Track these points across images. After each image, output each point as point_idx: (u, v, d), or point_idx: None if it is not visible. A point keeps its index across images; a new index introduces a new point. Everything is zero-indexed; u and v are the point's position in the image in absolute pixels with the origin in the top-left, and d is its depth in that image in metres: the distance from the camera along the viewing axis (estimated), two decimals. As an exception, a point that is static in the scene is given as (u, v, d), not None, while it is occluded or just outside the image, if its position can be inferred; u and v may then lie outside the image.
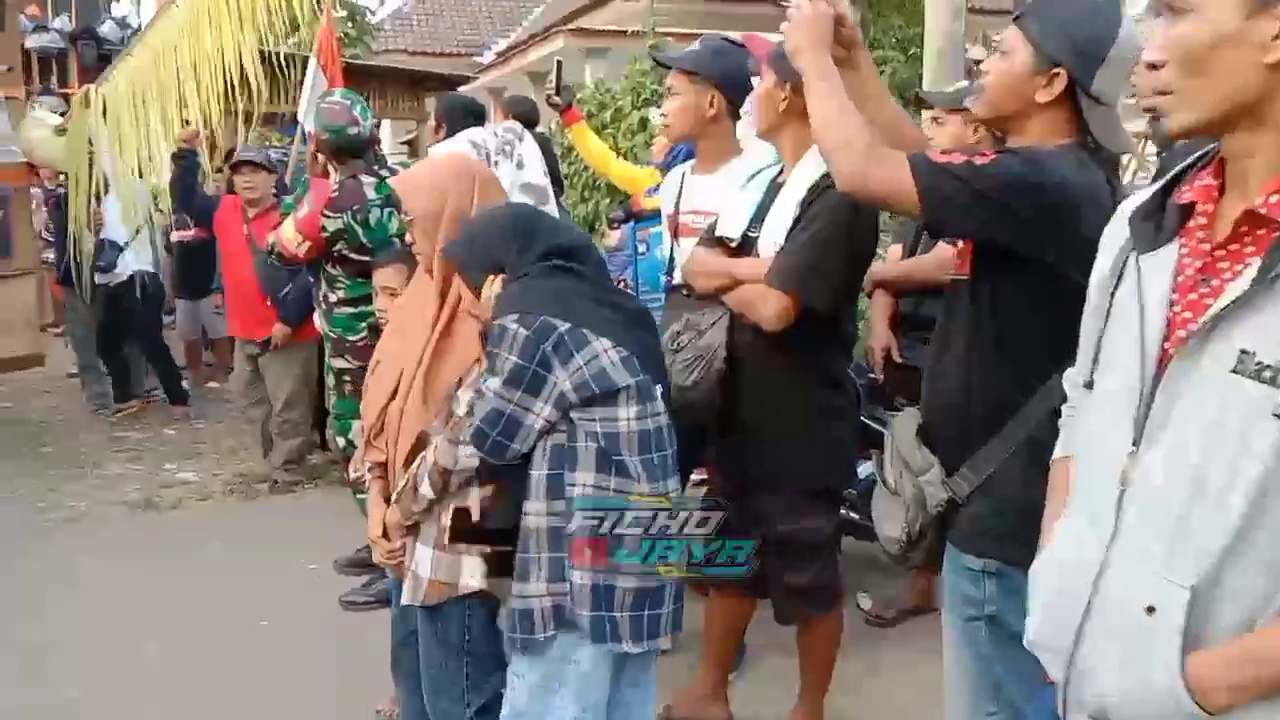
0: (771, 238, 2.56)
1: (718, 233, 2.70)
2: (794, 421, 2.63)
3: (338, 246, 4.02)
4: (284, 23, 6.83)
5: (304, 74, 6.10)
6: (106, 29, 12.53)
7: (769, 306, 2.50)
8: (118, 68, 6.40)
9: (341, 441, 4.22)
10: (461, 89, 11.66)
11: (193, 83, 6.00)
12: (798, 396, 2.63)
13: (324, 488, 5.59)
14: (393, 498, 2.36)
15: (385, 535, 2.43)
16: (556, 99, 4.39)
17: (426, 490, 2.24)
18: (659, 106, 3.68)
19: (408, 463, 2.31)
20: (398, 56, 17.78)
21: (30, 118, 6.59)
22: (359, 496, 3.59)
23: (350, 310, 4.08)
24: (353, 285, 4.04)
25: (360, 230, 3.98)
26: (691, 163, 3.13)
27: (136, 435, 6.92)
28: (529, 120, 4.67)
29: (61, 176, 6.73)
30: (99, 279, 6.70)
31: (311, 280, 4.34)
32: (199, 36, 6.18)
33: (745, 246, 2.63)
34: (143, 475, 5.98)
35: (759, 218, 2.61)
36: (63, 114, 6.60)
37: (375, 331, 3.27)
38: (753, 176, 2.72)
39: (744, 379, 2.62)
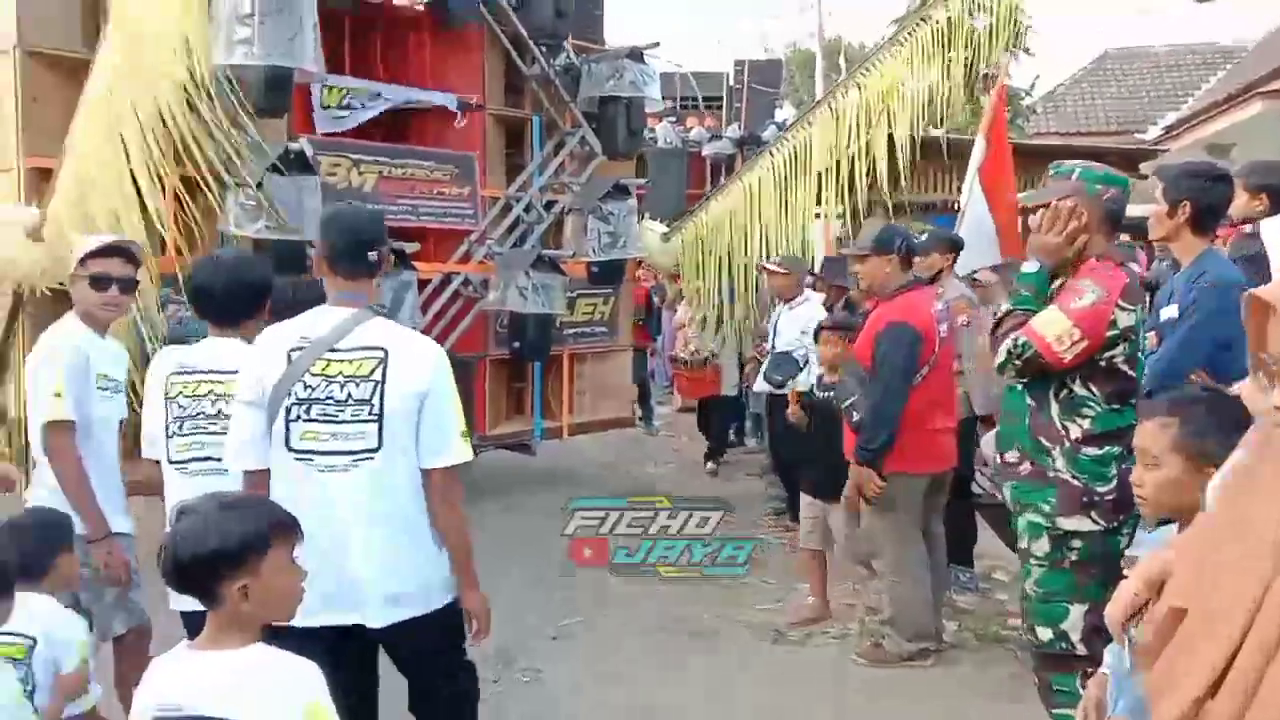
0: None
1: None
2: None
3: (1112, 353, 2.98)
4: (945, 105, 6.82)
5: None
6: (768, 134, 13.43)
7: None
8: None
9: (1046, 633, 3.07)
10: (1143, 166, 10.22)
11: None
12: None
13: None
14: None
15: None
16: None
17: None
18: None
19: None
20: (1049, 139, 16.62)
21: (644, 225, 7.65)
22: None
23: (1097, 451, 3.00)
24: (1107, 415, 3.01)
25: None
26: None
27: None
28: None
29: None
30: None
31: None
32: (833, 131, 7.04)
33: None
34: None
35: None
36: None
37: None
38: None
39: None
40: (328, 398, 2.53)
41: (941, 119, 8.08)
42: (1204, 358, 3.25)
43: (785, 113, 19.73)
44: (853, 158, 7.07)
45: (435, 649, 2.72)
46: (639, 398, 10.50)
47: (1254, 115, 12.94)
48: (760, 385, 6.47)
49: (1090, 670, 2.99)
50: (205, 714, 1.68)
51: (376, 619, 2.57)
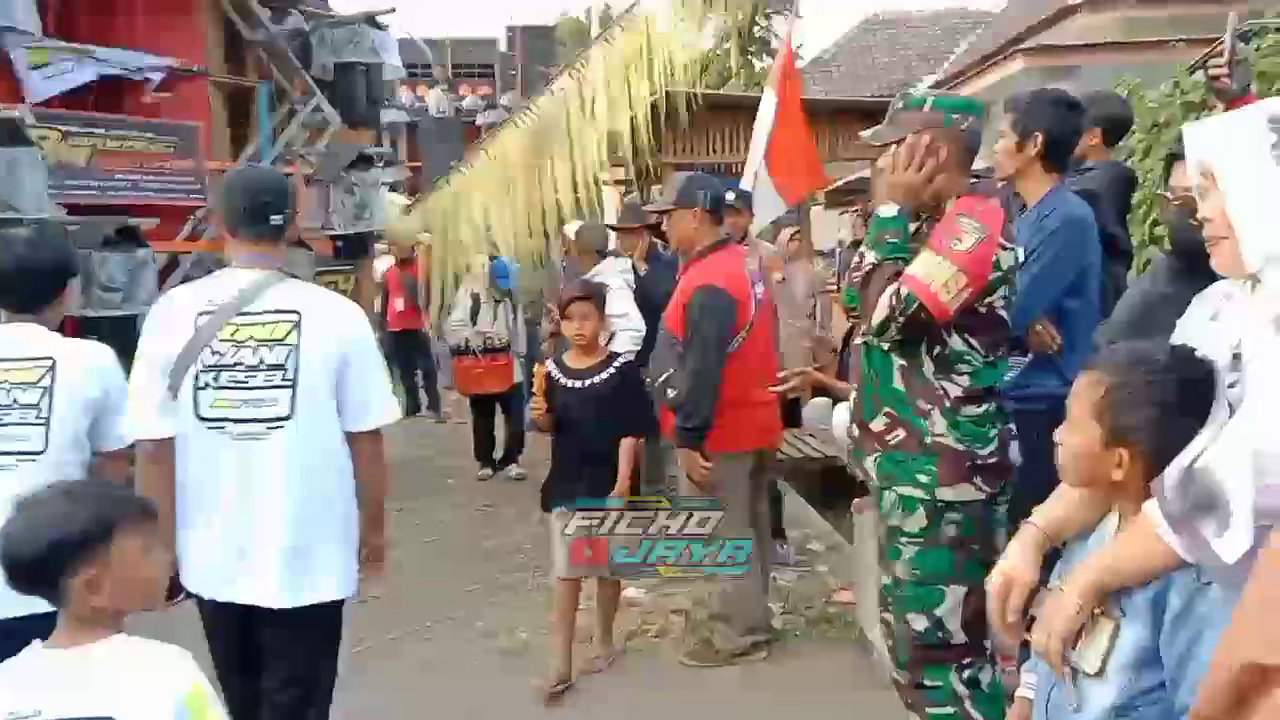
0: None
1: None
2: None
3: (992, 298, 2.57)
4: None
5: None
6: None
7: None
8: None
9: (921, 622, 2.66)
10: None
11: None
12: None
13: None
14: None
15: None
16: (1227, 82, 2.70)
17: None
18: None
19: None
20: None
21: (383, 197, 7.24)
22: None
23: (977, 410, 2.61)
24: (985, 370, 2.62)
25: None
26: None
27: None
28: None
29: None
30: None
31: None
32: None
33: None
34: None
35: None
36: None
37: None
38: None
39: None
40: (237, 364, 2.46)
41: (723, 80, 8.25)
42: (1052, 304, 2.94)
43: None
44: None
45: (322, 640, 2.64)
46: (424, 384, 9.87)
47: (1015, 73, 13.46)
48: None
49: (967, 662, 2.62)
50: (69, 716, 1.55)
51: (282, 598, 2.49)
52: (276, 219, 2.55)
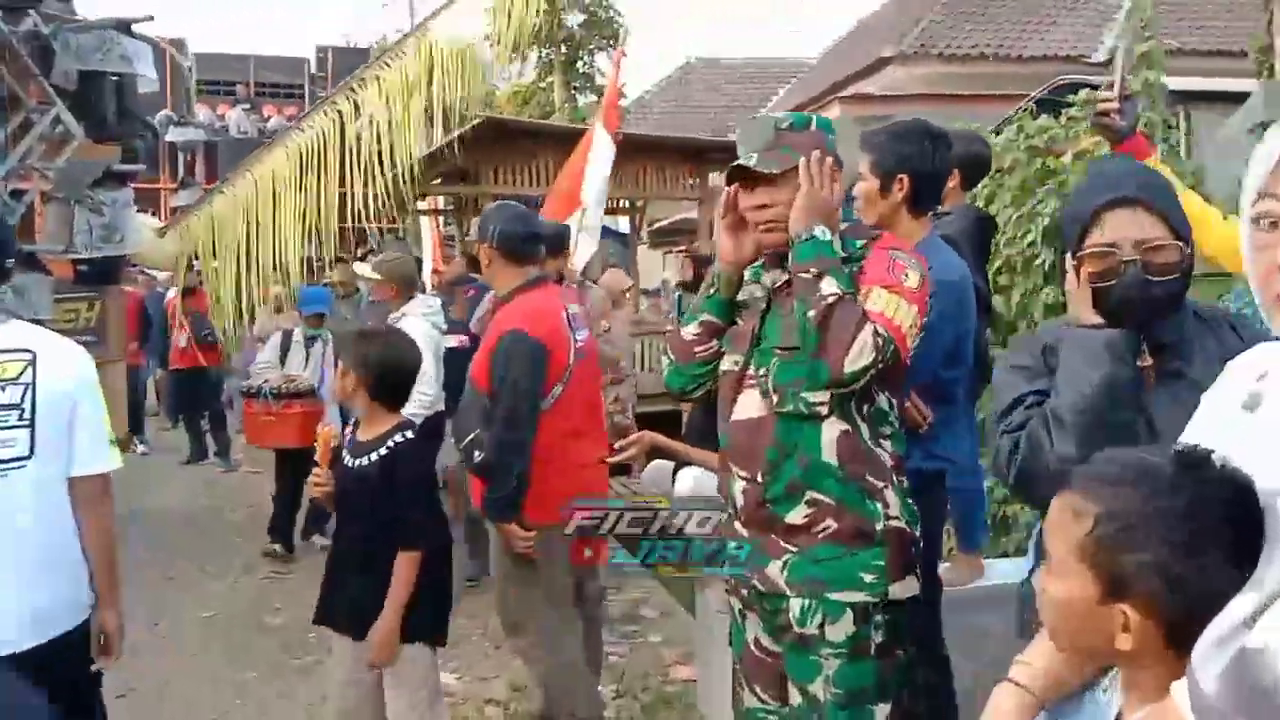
0: None
1: None
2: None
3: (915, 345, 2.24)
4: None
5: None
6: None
7: None
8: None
9: None
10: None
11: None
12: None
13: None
14: None
15: None
16: (1115, 118, 2.40)
17: None
18: None
19: None
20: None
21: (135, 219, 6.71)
22: None
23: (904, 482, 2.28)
24: (898, 433, 2.27)
25: None
26: None
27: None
28: None
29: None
30: None
31: None
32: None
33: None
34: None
35: None
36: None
37: None
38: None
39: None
40: None
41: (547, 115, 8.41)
42: (928, 375, 2.59)
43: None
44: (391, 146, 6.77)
45: (76, 674, 2.49)
46: (211, 429, 8.96)
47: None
48: None
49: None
50: None
51: (24, 639, 2.35)
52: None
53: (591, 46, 23.41)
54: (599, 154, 6.03)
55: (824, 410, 2.08)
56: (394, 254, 6.06)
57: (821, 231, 2.08)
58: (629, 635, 4.76)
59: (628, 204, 10.76)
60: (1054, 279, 4.57)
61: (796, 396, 2.09)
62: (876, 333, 1.99)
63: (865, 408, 2.11)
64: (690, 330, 2.28)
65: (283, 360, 6.26)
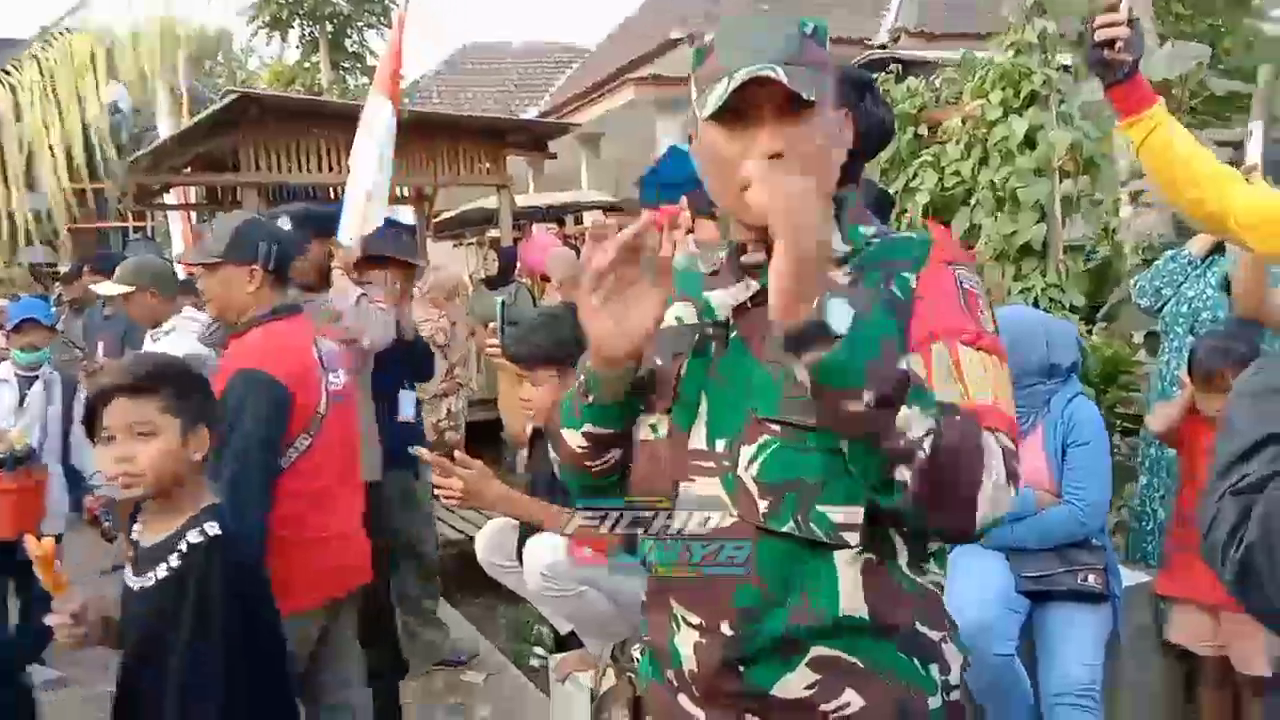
0: None
1: None
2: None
3: None
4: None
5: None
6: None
7: None
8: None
9: None
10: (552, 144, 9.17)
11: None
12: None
13: None
14: None
15: None
16: (1118, 50, 1.86)
17: None
18: None
19: None
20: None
21: None
22: None
23: None
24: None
25: None
26: None
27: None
28: None
29: None
30: None
31: None
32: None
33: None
34: None
35: None
36: None
37: None
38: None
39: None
40: None
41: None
42: None
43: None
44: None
45: None
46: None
47: (625, 103, 13.13)
48: None
49: None
50: None
51: None
52: None
53: (360, 24, 21.91)
54: (376, 120, 4.83)
55: (853, 536, 1.22)
56: (139, 255, 4.98)
57: (844, 312, 1.07)
58: (450, 711, 3.91)
59: (414, 192, 9.71)
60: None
61: (808, 510, 1.23)
62: (1006, 453, 1.15)
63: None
64: (574, 440, 1.43)
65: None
